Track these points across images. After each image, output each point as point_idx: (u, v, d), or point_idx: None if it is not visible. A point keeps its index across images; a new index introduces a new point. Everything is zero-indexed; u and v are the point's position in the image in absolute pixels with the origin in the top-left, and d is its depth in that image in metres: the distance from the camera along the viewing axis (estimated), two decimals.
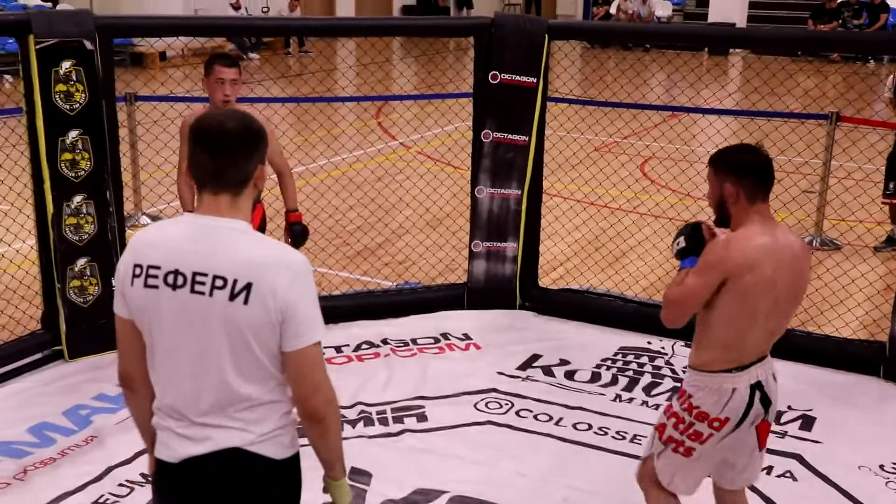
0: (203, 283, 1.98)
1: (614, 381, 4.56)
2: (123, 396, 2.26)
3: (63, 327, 4.60)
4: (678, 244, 2.85)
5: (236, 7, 17.33)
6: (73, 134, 4.43)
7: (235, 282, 1.97)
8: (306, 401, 2.06)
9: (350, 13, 21.45)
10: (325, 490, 2.22)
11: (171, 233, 2.08)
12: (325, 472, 2.19)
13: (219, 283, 1.98)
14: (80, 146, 4.46)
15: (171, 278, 2.01)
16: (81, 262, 4.59)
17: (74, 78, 4.36)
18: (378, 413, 4.15)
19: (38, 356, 4.59)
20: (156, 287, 2.02)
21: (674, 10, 22.04)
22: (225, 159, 2.02)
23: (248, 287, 1.97)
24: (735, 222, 2.72)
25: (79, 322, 4.62)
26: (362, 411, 4.14)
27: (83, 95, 4.41)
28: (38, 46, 4.26)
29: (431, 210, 6.46)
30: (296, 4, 18.42)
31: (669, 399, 3.71)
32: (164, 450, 2.11)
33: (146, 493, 3.40)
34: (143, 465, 3.67)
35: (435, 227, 6.50)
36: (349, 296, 5.41)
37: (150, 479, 2.27)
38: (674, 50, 13.89)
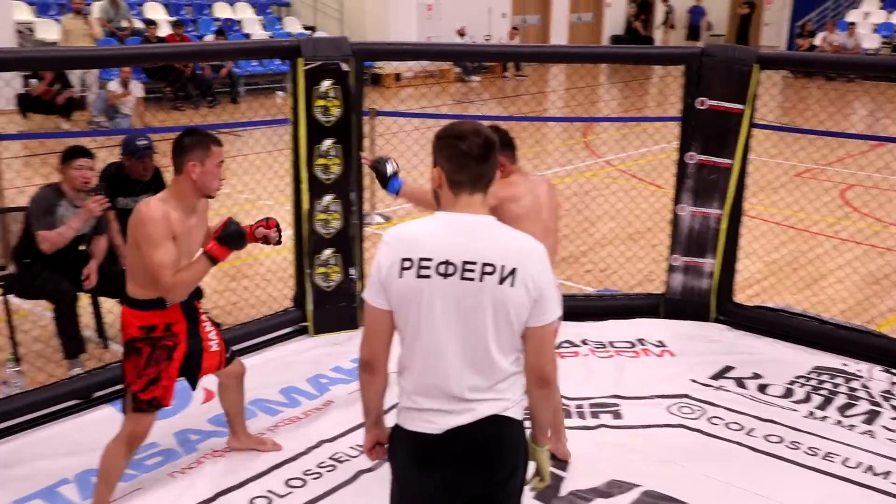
0: (472, 270, 2.08)
1: (808, 398, 4.29)
2: (360, 379, 2.27)
3: (310, 307, 4.89)
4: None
5: (462, 34, 17.79)
6: (328, 142, 4.72)
7: (503, 267, 2.08)
8: (542, 368, 2.17)
9: (563, 42, 21.45)
10: (531, 457, 2.29)
11: (432, 229, 2.16)
12: (535, 439, 2.28)
13: (488, 269, 2.08)
14: (332, 153, 4.74)
15: (442, 268, 2.09)
16: (327, 252, 4.86)
17: (332, 95, 4.65)
18: (576, 407, 4.14)
19: (288, 330, 4.90)
20: (428, 277, 2.09)
21: (882, 42, 20.40)
22: (487, 164, 2.15)
23: (513, 272, 2.08)
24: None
25: (322, 303, 4.90)
26: (562, 404, 4.14)
27: (338, 110, 4.69)
28: (305, 67, 4.58)
29: (634, 224, 6.35)
30: (515, 33, 18.64)
31: (867, 422, 3.46)
32: (425, 424, 2.17)
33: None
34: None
35: (636, 240, 6.39)
36: None
37: (378, 450, 2.34)
38: (880, 81, 12.86)
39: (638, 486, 3.47)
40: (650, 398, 4.25)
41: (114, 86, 11.36)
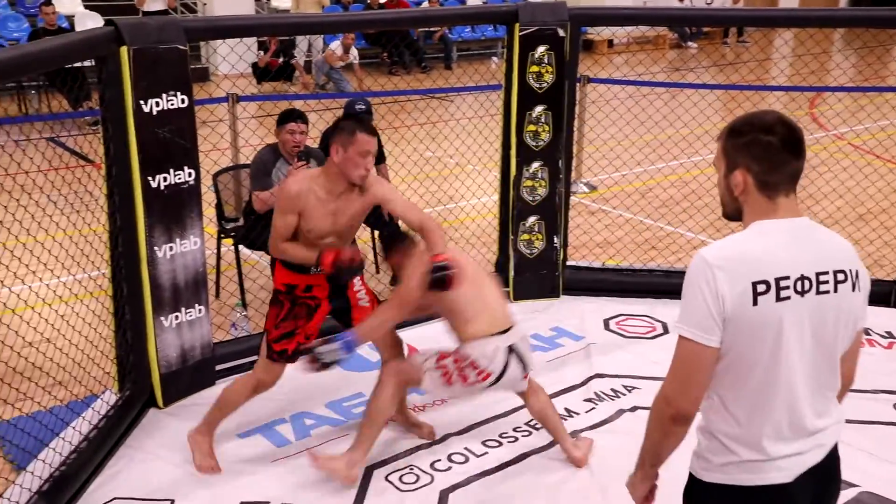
0: (826, 282, 1.81)
1: None
2: (665, 429, 1.87)
3: (511, 273, 4.94)
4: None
5: None
6: (539, 109, 4.70)
7: (851, 272, 1.85)
8: (853, 373, 1.97)
9: (794, 5, 19.95)
10: None
11: (768, 243, 1.82)
12: None
13: (840, 276, 1.83)
14: (542, 120, 4.72)
15: (799, 285, 1.79)
16: (532, 219, 4.88)
17: (546, 61, 4.62)
18: None
19: None
20: (788, 298, 1.77)
21: None
22: (802, 158, 1.85)
23: (857, 275, 1.87)
24: None
25: (524, 270, 4.93)
26: None
27: (551, 76, 4.65)
28: (521, 33, 4.57)
29: (866, 203, 5.84)
30: None
31: None
32: (776, 473, 1.85)
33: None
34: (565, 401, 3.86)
35: (867, 220, 5.88)
36: None
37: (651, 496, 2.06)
38: None
39: (856, 486, 3.22)
40: (874, 392, 3.92)
41: (334, 45, 11.94)
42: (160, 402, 3.78)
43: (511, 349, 3.16)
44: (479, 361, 3.11)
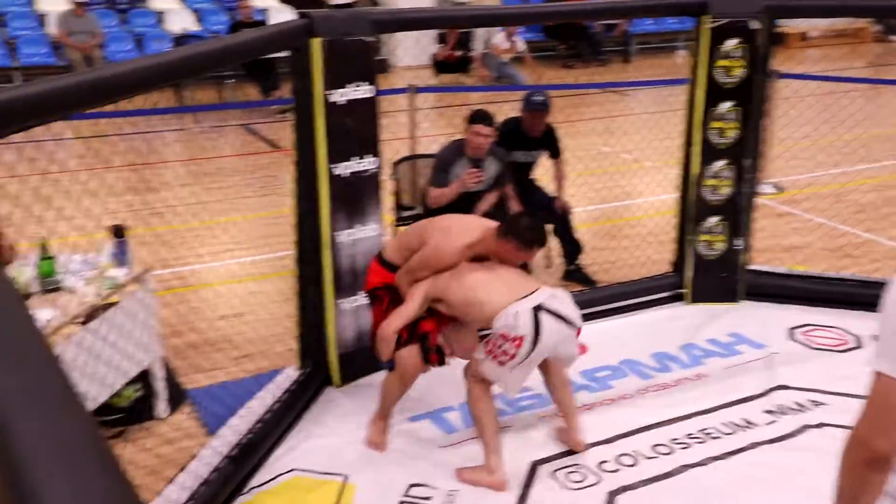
0: None
1: None
2: (860, 478, 1.56)
3: (689, 274, 4.76)
4: None
5: None
6: (726, 105, 4.49)
7: None
8: None
9: None
10: None
11: None
12: None
13: None
14: (730, 116, 4.51)
15: None
16: (713, 220, 4.68)
17: (736, 54, 4.41)
18: None
19: (664, 295, 4.82)
20: None
21: None
22: None
23: None
24: None
25: (702, 272, 4.74)
26: None
27: (741, 70, 4.44)
28: (710, 25, 4.39)
29: None
30: None
31: None
32: None
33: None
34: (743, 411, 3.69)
35: None
36: None
37: None
38: None
39: None
40: None
41: (499, 39, 11.96)
42: (336, 380, 3.93)
43: (539, 309, 3.07)
44: (506, 331, 3.06)
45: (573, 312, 3.16)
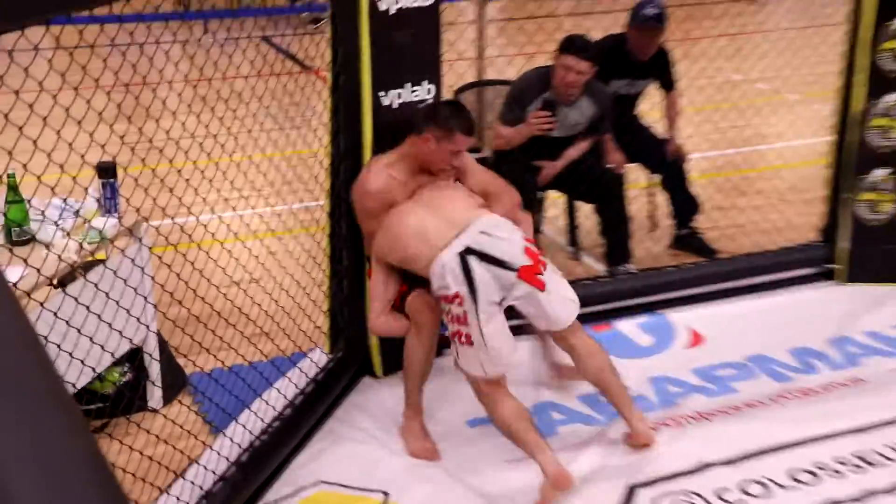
0: None
1: None
2: None
3: (843, 244, 4.69)
4: None
5: None
6: None
7: None
8: None
9: None
10: None
11: None
12: None
13: None
14: None
15: None
16: (880, 173, 4.61)
17: None
18: None
19: (809, 271, 4.74)
20: None
21: None
22: None
23: None
24: None
25: (863, 242, 4.68)
26: None
27: None
28: None
29: None
30: None
31: None
32: None
33: None
34: None
35: None
36: None
37: None
38: None
39: None
40: None
41: None
42: (377, 369, 3.94)
43: (466, 254, 3.12)
44: (443, 291, 3.14)
45: (510, 248, 3.17)
